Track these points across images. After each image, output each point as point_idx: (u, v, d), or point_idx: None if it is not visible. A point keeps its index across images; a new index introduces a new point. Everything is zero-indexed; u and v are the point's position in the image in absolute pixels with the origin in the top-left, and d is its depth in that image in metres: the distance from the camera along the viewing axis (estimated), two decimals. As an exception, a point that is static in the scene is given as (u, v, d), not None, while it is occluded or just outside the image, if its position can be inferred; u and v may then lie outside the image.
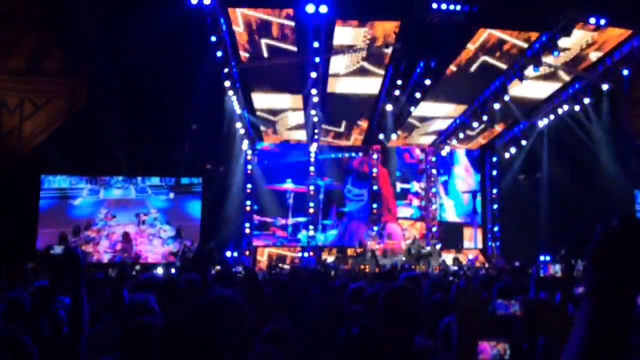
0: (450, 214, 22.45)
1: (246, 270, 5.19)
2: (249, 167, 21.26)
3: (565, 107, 17.52)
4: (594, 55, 15.39)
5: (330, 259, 19.46)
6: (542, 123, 19.03)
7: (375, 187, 21.87)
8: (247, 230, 20.87)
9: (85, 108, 17.97)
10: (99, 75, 16.94)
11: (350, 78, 16.60)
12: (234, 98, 16.91)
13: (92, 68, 17.46)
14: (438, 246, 19.85)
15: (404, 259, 18.26)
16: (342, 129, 20.68)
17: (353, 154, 22.10)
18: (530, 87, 16.83)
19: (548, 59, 14.72)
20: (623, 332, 1.01)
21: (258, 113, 19.07)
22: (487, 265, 19.38)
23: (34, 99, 18.30)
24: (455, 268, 17.08)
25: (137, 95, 16.33)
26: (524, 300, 2.41)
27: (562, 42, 13.82)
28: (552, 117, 18.43)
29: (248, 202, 21.01)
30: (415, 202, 22.31)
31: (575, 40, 14.20)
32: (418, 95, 16.94)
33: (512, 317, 2.31)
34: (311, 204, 20.95)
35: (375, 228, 21.25)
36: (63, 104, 18.39)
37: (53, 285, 2.98)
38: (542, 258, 17.39)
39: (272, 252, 20.93)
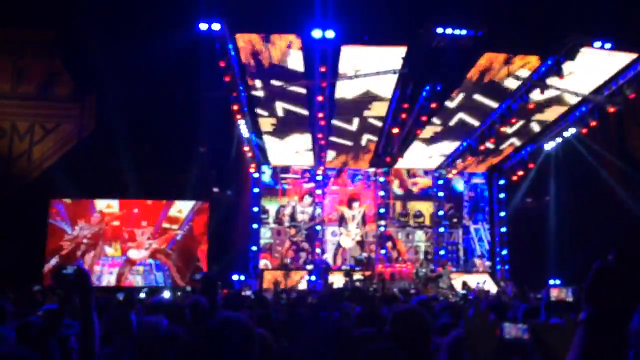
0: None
1: (255, 293, 5.20)
2: (256, 189, 21.34)
3: (572, 130, 17.54)
4: (600, 78, 15.44)
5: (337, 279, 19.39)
6: (549, 146, 19.04)
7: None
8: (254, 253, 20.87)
9: (94, 132, 18.16)
10: (107, 100, 17.15)
11: (356, 100, 16.72)
12: (241, 122, 17.05)
13: (101, 93, 17.69)
14: (448, 268, 19.67)
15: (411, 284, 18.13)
16: (348, 152, 20.75)
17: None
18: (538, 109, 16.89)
19: (554, 82, 14.78)
20: (610, 358, 1.04)
21: (265, 136, 19.19)
22: (496, 289, 19.23)
23: (43, 123, 18.52)
24: (464, 292, 16.94)
25: (145, 119, 16.49)
26: (533, 323, 2.40)
27: (568, 66, 13.89)
28: (559, 139, 18.45)
29: (255, 225, 21.04)
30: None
31: (581, 63, 14.28)
32: (424, 118, 17.01)
33: (521, 340, 2.30)
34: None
35: (383, 251, 21.25)
36: (72, 129, 18.59)
37: (62, 306, 2.99)
38: (551, 282, 17.27)
39: (278, 275, 20.82)
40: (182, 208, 19.38)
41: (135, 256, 19.05)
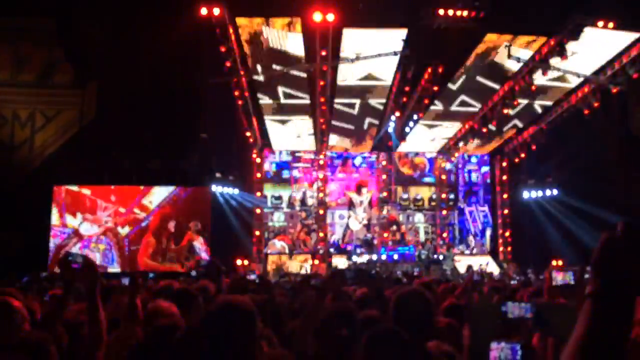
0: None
1: (260, 278, 5.23)
2: (258, 174, 21.42)
3: (575, 111, 17.46)
4: (602, 58, 15.35)
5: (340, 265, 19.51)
6: (552, 126, 18.96)
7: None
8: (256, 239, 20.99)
9: (95, 119, 18.14)
10: (108, 87, 17.12)
11: (358, 85, 16.66)
12: (243, 107, 17.02)
13: (101, 80, 17.65)
14: (453, 250, 19.75)
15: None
16: (350, 137, 20.76)
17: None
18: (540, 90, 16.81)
19: (556, 63, 14.70)
20: (620, 333, 1.04)
21: (267, 121, 19.16)
22: (499, 271, 19.31)
23: (45, 111, 18.51)
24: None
25: (146, 105, 16.46)
26: (536, 303, 2.43)
27: (570, 46, 13.80)
28: (561, 120, 18.38)
29: (257, 211, 21.14)
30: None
31: (583, 43, 14.19)
32: (426, 101, 16.96)
33: (524, 319, 2.33)
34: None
35: (386, 234, 21.40)
36: (73, 116, 18.57)
37: (67, 291, 3.02)
38: (554, 263, 17.29)
39: (282, 260, 20.99)
40: (153, 198, 19.50)
41: (86, 231, 19.07)
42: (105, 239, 19.09)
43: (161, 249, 19.26)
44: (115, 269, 18.66)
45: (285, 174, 21.99)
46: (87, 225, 19.02)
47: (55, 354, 2.33)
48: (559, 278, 3.56)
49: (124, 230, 19.23)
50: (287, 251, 21.38)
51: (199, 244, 19.51)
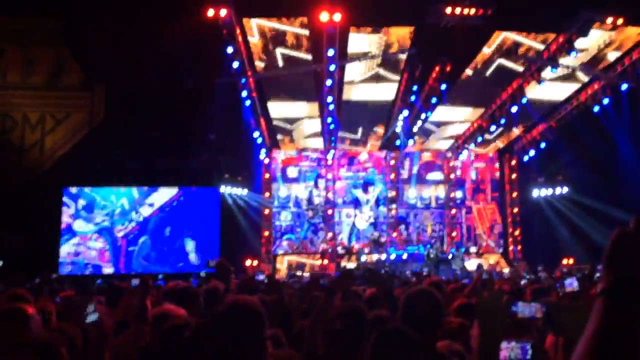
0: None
1: (269, 278, 5.23)
2: (266, 174, 21.45)
3: (584, 108, 17.33)
4: (612, 55, 15.22)
5: (349, 265, 19.50)
6: (562, 124, 18.83)
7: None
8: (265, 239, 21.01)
9: (104, 121, 18.23)
10: (116, 88, 17.19)
11: (365, 85, 16.62)
12: (250, 107, 17.04)
13: (110, 82, 17.73)
14: (461, 250, 19.70)
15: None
16: (358, 136, 20.75)
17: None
18: (549, 89, 16.70)
19: (565, 60, 14.60)
20: (633, 331, 1.02)
21: (275, 122, 19.18)
22: (508, 270, 19.22)
23: (54, 113, 18.62)
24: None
25: (154, 107, 16.51)
26: (546, 303, 2.41)
27: (580, 43, 13.70)
28: (571, 118, 18.25)
29: (266, 211, 21.16)
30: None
31: (593, 40, 14.07)
32: (434, 100, 16.90)
33: (534, 319, 2.31)
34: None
35: (395, 234, 21.35)
36: (83, 118, 18.67)
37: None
38: (564, 261, 17.19)
39: (291, 260, 21.01)
40: (155, 199, 19.64)
41: (81, 228, 19.14)
42: (102, 238, 19.18)
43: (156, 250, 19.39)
44: (109, 269, 18.79)
45: (293, 173, 22.03)
46: (83, 223, 19.11)
47: (66, 355, 2.34)
48: (575, 284, 3.54)
49: (121, 231, 19.32)
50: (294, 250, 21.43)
51: (191, 246, 19.63)
